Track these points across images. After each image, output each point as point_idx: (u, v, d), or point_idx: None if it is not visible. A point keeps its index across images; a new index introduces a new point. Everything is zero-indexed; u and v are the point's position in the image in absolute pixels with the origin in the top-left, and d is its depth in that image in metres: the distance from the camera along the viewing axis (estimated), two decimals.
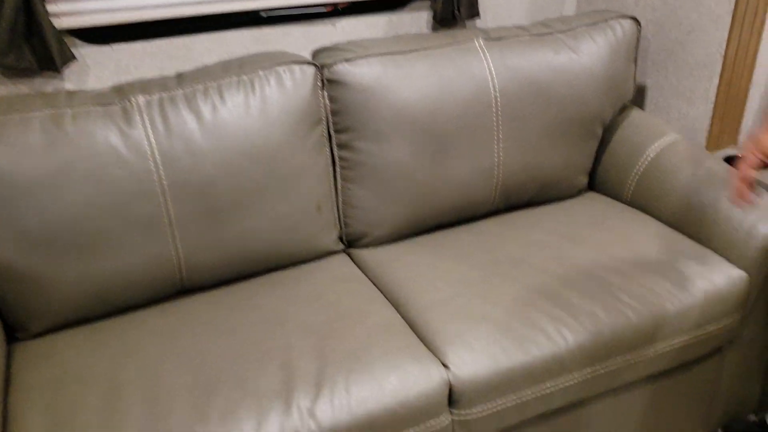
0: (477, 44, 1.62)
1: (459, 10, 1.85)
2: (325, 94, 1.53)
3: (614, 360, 1.35)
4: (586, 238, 1.59)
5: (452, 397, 1.25)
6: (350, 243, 1.66)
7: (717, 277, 1.46)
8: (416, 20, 1.90)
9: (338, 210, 1.61)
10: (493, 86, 1.60)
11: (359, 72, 1.50)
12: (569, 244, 1.57)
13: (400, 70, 1.53)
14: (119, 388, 1.20)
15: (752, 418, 1.71)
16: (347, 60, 1.51)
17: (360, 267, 1.58)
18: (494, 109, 1.61)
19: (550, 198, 1.80)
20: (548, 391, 1.31)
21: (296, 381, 1.20)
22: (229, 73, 1.45)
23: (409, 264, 1.53)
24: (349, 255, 1.64)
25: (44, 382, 1.22)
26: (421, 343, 1.30)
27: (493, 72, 1.61)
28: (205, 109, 1.40)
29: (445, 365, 1.25)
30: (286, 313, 1.38)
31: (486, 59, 1.61)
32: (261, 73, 1.45)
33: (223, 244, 1.45)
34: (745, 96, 1.84)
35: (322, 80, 1.52)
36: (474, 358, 1.26)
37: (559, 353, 1.29)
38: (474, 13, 1.88)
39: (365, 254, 1.61)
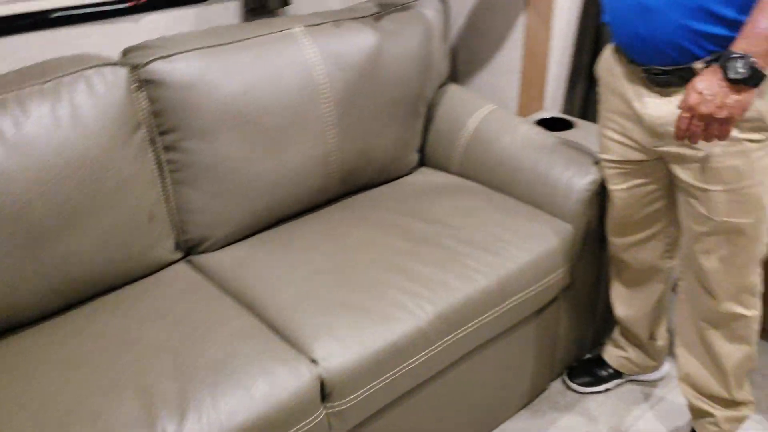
0: (297, 32, 1.59)
1: None
2: (143, 95, 1.42)
3: (470, 323, 1.41)
4: (426, 211, 1.64)
5: (324, 391, 1.23)
6: (191, 249, 1.57)
7: (547, 232, 1.57)
8: (225, 11, 1.82)
9: (173, 216, 1.51)
10: (318, 73, 1.58)
11: (177, 69, 1.41)
12: (411, 219, 1.61)
13: (222, 64, 1.46)
14: None
15: (588, 356, 1.87)
16: (163, 57, 1.41)
17: (205, 274, 1.50)
18: (322, 96, 1.59)
19: (387, 178, 1.83)
20: (415, 364, 1.33)
21: (157, 406, 1.11)
22: (29, 82, 1.29)
23: (258, 263, 1.48)
24: (191, 263, 1.55)
25: None
26: (285, 342, 1.27)
27: (317, 59, 1.59)
28: (6, 125, 1.24)
29: (313, 360, 1.23)
30: (132, 334, 1.27)
31: (307, 46, 1.59)
32: (66, 79, 1.31)
33: (48, 272, 1.30)
34: (546, 63, 2.00)
35: (138, 81, 1.41)
36: (341, 347, 1.24)
37: (421, 326, 1.32)
38: (286, 1, 1.84)
39: (209, 260, 1.53)
